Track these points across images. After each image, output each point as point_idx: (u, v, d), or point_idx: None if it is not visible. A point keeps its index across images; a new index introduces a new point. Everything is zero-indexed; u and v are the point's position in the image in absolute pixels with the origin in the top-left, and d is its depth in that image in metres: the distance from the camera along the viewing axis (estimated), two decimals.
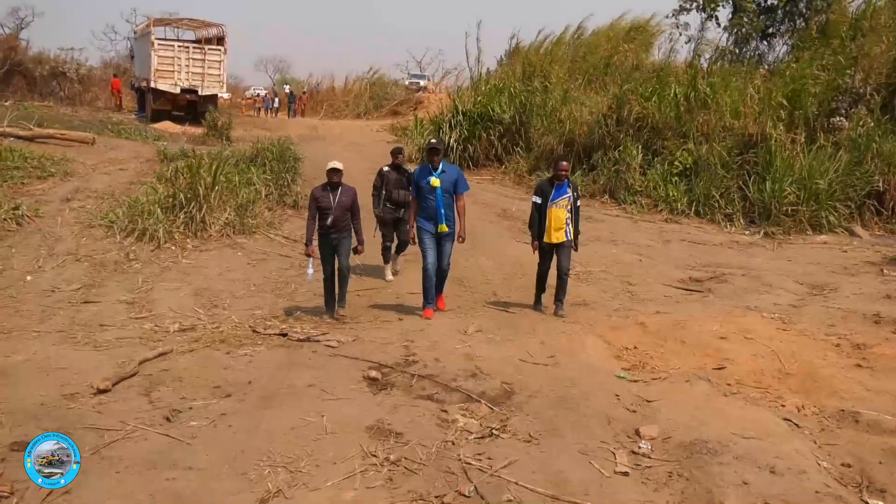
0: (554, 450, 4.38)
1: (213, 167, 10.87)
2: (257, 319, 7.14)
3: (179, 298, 7.73)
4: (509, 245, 10.55)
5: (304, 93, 40.15)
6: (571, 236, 7.75)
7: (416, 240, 7.57)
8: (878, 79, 13.99)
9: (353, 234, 7.59)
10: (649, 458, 4.33)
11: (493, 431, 4.61)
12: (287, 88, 42.13)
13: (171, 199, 10.19)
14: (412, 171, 8.63)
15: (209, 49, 27.04)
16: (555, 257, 7.77)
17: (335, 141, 23.29)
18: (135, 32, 34.79)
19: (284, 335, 6.58)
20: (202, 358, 5.94)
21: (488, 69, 20.97)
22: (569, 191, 7.72)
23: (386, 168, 9.25)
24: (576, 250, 7.90)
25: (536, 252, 7.84)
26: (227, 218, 10.28)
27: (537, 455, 4.32)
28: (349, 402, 5.06)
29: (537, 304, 7.93)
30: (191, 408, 4.92)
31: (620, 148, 14.93)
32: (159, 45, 26.22)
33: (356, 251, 7.65)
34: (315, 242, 7.55)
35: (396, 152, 9.49)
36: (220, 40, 27.56)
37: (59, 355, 5.95)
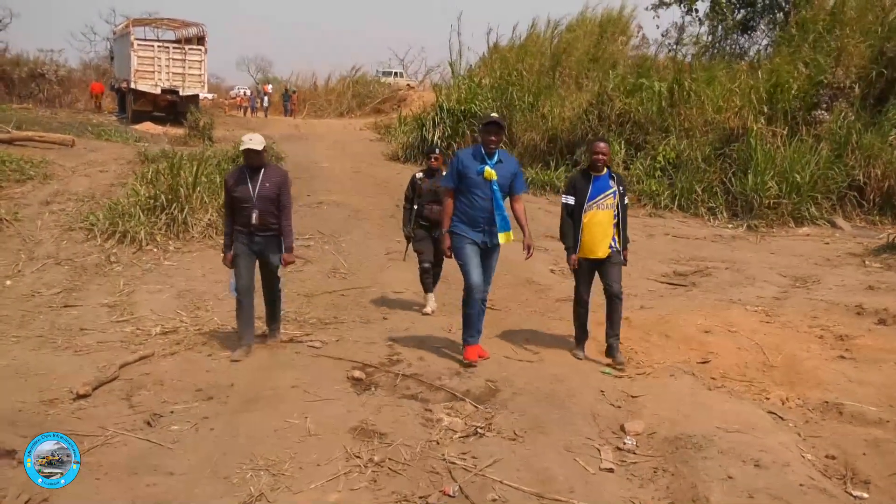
0: (539, 447, 4.36)
1: (195, 168, 10.80)
2: None
3: (161, 301, 7.65)
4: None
5: (293, 92, 39.85)
6: (618, 247, 6.12)
7: (452, 252, 5.86)
8: (857, 72, 14.08)
9: (282, 234, 6.05)
10: (634, 453, 4.33)
11: (478, 430, 4.58)
12: (270, 87, 41.80)
13: (152, 201, 10.10)
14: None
15: (189, 49, 26.84)
16: (596, 276, 6.19)
17: (318, 140, 23.17)
18: (114, 33, 34.53)
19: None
20: (184, 361, 5.88)
21: (470, 66, 20.97)
22: (612, 184, 6.08)
23: (419, 175, 7.61)
24: (624, 264, 6.24)
25: (573, 270, 6.21)
26: (209, 219, 10.20)
27: (522, 453, 4.30)
28: (333, 403, 5.02)
29: (579, 348, 6.27)
30: (172, 412, 4.87)
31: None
32: (139, 45, 26.01)
33: (281, 262, 6.07)
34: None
35: (430, 152, 7.81)
36: (200, 40, 27.37)
37: (39, 360, 5.87)
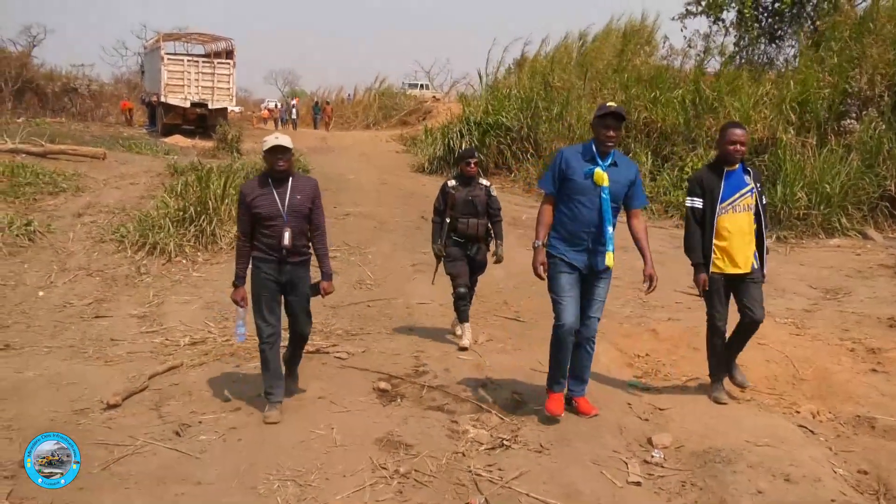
0: (565, 460, 4.34)
1: (223, 180, 10.92)
2: None
3: (190, 312, 7.74)
4: (520, 254, 10.48)
5: (328, 104, 40.17)
6: (758, 262, 5.17)
7: (548, 278, 4.83)
8: (886, 80, 13.90)
9: (318, 261, 5.09)
10: (662, 467, 4.29)
11: (504, 442, 4.57)
12: (297, 101, 42.18)
13: (181, 213, 10.22)
14: (491, 188, 6.79)
15: (218, 63, 27.24)
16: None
17: (344, 152, 23.33)
18: (145, 48, 35.09)
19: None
20: (212, 371, 5.94)
21: (496, 78, 21.03)
22: (748, 180, 5.11)
23: (451, 183, 6.70)
24: (763, 281, 5.26)
25: (703, 290, 5.19)
26: (237, 231, 10.27)
27: (549, 465, 4.28)
28: (359, 415, 5.04)
29: (719, 389, 5.33)
30: (200, 422, 4.91)
31: (630, 154, 14.90)
32: (169, 59, 26.43)
33: (317, 290, 5.11)
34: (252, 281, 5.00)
35: (467, 156, 6.76)
36: (228, 54, 27.76)
37: (70, 371, 5.96)
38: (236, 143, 20.77)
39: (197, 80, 26.41)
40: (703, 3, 19.59)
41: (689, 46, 19.37)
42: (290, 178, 4.92)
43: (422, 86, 41.50)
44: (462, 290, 6.66)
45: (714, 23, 19.57)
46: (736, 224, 5.09)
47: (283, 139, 4.82)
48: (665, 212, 13.77)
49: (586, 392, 5.08)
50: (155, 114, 28.59)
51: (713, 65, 18.05)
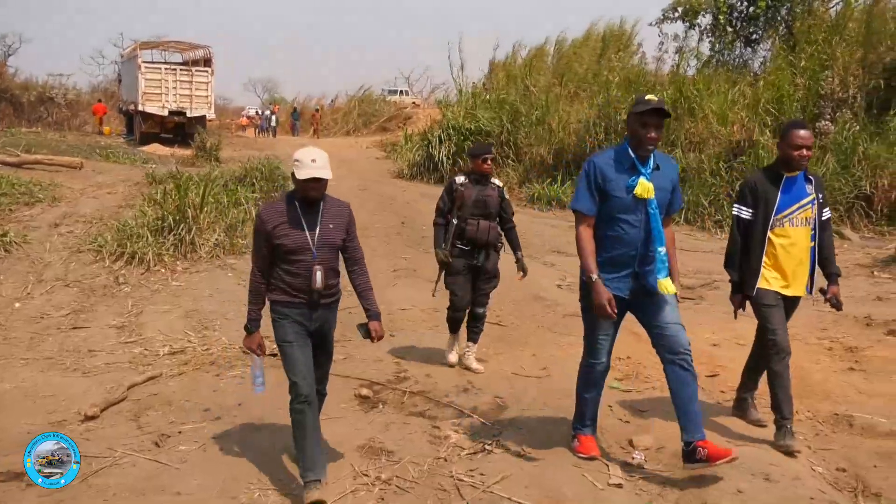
0: (547, 463, 4.34)
1: (202, 188, 10.85)
2: None
3: (169, 321, 7.67)
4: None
5: (316, 111, 40.09)
6: (810, 284, 4.65)
7: (584, 309, 4.30)
8: (856, 82, 14.11)
9: (360, 299, 4.26)
10: (643, 468, 4.30)
11: (486, 447, 4.57)
12: (266, 110, 42.09)
13: (159, 222, 10.14)
14: (504, 189, 6.13)
15: (196, 71, 27.08)
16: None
17: None
18: (122, 56, 34.85)
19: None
20: (192, 381, 5.90)
21: (474, 83, 21.10)
22: (810, 190, 4.51)
23: (460, 179, 5.98)
24: (839, 308, 4.69)
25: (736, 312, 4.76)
26: (216, 239, 10.23)
27: (530, 469, 4.28)
28: (340, 422, 5.02)
29: (787, 433, 4.47)
30: (180, 432, 4.87)
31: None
32: (146, 68, 26.24)
33: (367, 332, 4.20)
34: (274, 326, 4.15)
35: (483, 151, 5.98)
36: (207, 62, 27.63)
37: (47, 382, 5.90)
38: (215, 151, 20.66)
39: (175, 88, 26.24)
40: (680, 9, 19.78)
41: (665, 51, 19.57)
42: (322, 203, 4.05)
43: (401, 92, 41.55)
44: (458, 314, 6.08)
45: (690, 28, 19.78)
46: (791, 240, 4.49)
47: (321, 165, 3.89)
48: None
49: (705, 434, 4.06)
50: (133, 122, 28.39)
51: (690, 68, 18.24)
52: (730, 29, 18.70)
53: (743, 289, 4.63)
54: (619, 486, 4.08)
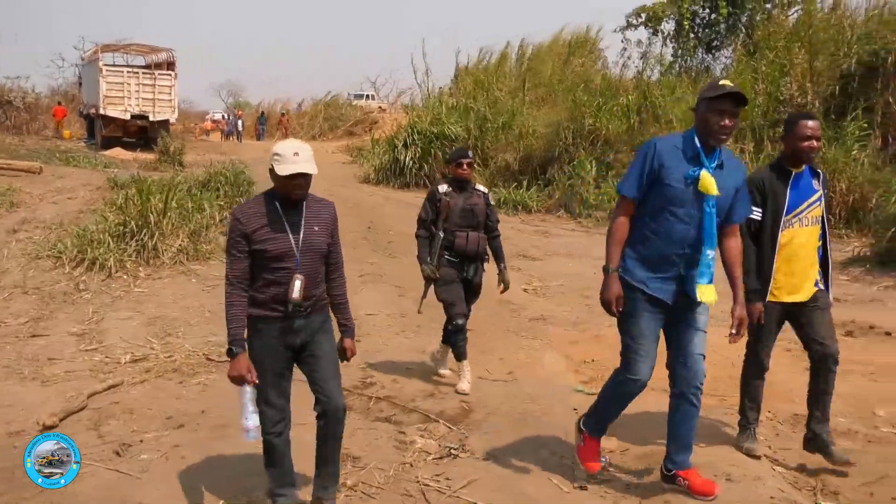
0: (513, 467, 4.35)
1: (165, 193, 10.71)
2: (212, 347, 6.99)
3: (131, 328, 7.56)
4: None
5: (283, 115, 39.82)
6: (823, 283, 4.35)
7: (623, 319, 3.78)
8: (814, 88, 14.42)
9: (335, 311, 3.83)
10: (608, 470, 4.33)
11: (452, 451, 4.57)
12: (230, 114, 41.79)
13: (121, 227, 9.99)
14: (489, 195, 5.86)
15: (159, 74, 26.83)
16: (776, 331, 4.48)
17: None
18: (82, 59, 34.34)
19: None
20: (154, 389, 5.81)
21: (440, 88, 21.17)
22: (818, 187, 4.27)
23: (442, 188, 5.67)
24: (830, 304, 4.41)
25: (755, 324, 4.31)
26: (180, 244, 10.11)
27: (497, 473, 4.29)
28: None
29: (751, 438, 4.50)
30: (142, 441, 4.80)
31: (574, 163, 15.15)
32: (108, 71, 25.95)
33: (343, 352, 3.82)
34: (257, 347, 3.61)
35: (459, 156, 5.68)
36: (170, 65, 27.38)
37: (5, 391, 5.77)
38: (179, 155, 20.45)
39: (137, 91, 25.96)
40: (644, 16, 20.06)
41: (629, 57, 19.84)
42: (304, 205, 3.59)
43: (368, 96, 41.47)
44: (459, 321, 5.55)
45: (654, 34, 20.05)
46: (799, 241, 4.19)
47: (305, 158, 3.43)
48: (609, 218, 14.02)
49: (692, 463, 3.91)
50: (94, 126, 27.98)
51: (653, 73, 18.50)
52: (692, 35, 18.99)
53: (762, 298, 4.27)
54: (584, 488, 4.11)
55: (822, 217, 4.29)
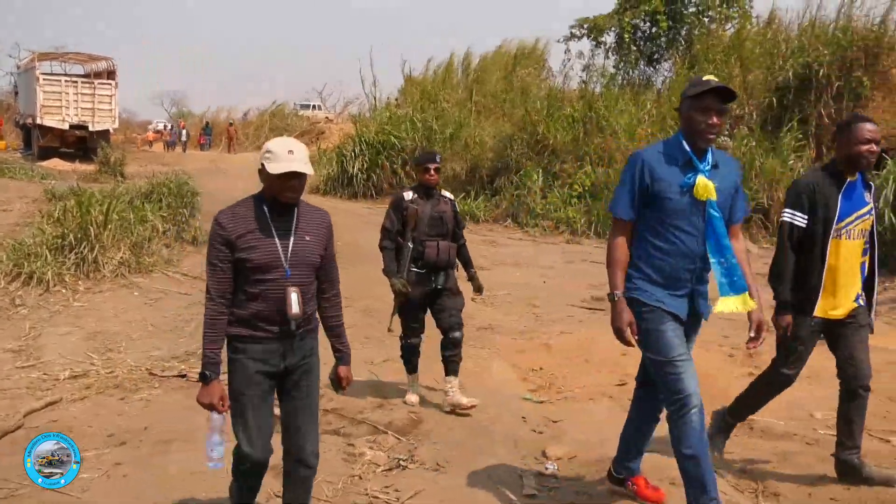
0: (462, 477, 4.36)
1: (106, 205, 10.46)
2: (155, 361, 6.85)
3: (70, 344, 7.35)
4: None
5: (231, 124, 39.27)
6: (864, 300, 4.06)
7: (645, 334, 3.49)
8: (752, 100, 14.85)
9: (329, 335, 3.48)
10: (556, 478, 4.37)
11: (401, 462, 4.56)
12: (172, 124, 41.20)
13: (59, 240, 9.71)
14: (455, 201, 5.60)
15: (99, 83, 26.25)
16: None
17: (236, 174, 22.81)
18: (18, 67, 33.37)
19: (184, 376, 6.34)
20: (94, 405, 5.66)
21: (387, 98, 21.21)
22: (869, 199, 4.00)
23: (409, 195, 5.34)
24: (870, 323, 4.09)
25: (786, 338, 4.12)
26: (121, 257, 9.88)
27: (446, 484, 4.29)
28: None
29: (720, 440, 4.57)
30: (82, 459, 4.66)
31: (522, 172, 15.30)
32: (45, 80, 25.28)
33: (338, 381, 3.52)
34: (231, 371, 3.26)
35: (425, 160, 5.38)
36: (110, 74, 26.81)
37: None
38: (120, 166, 20.03)
39: (76, 101, 25.34)
40: (586, 27, 20.42)
41: (571, 68, 20.18)
42: (297, 212, 3.24)
43: (314, 106, 41.24)
44: (413, 340, 5.48)
45: (596, 46, 20.41)
46: (846, 254, 3.93)
47: (300, 157, 3.10)
48: (556, 228, 14.16)
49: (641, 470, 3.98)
50: (30, 137, 27.21)
51: (596, 85, 18.82)
52: (634, 48, 19.40)
53: (795, 309, 4.03)
54: (533, 496, 4.13)
55: (872, 231, 4.02)
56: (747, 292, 3.45)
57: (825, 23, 15.00)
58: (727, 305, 3.43)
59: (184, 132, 38.72)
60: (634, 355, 6.66)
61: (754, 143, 14.10)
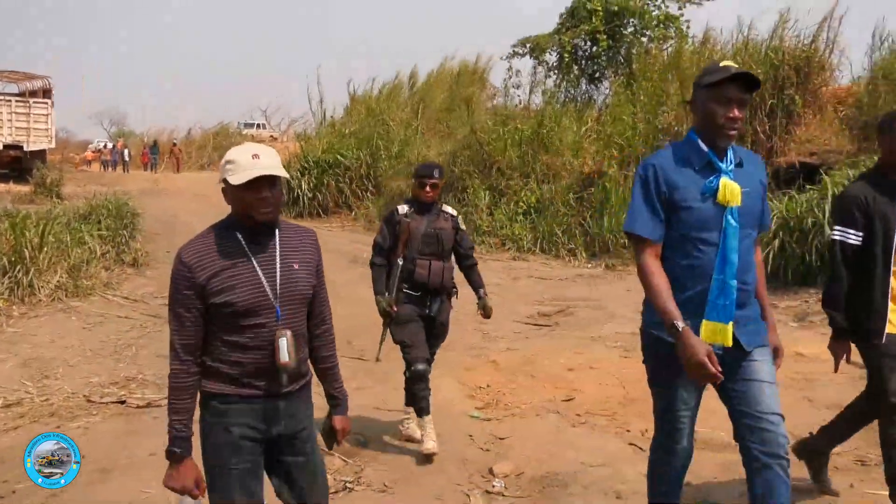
0: (410, 498, 4.33)
1: (41, 227, 10.19)
2: (93, 388, 6.66)
3: (4, 371, 7.09)
4: (364, 292, 10.47)
5: (175, 144, 38.60)
6: None
7: (652, 370, 3.16)
8: (689, 117, 15.23)
9: (322, 379, 2.91)
10: (503, 495, 4.37)
11: (347, 485, 4.50)
12: (110, 143, 40.48)
13: None
14: (459, 218, 5.04)
15: (35, 102, 25.64)
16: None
17: (178, 194, 22.50)
18: None
19: (123, 402, 6.18)
20: (28, 435, 5.42)
21: (332, 116, 21.18)
22: None
23: (403, 209, 4.85)
24: None
25: (842, 361, 3.66)
26: (58, 280, 9.63)
27: None
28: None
29: (822, 482, 4.03)
30: (14, 492, 4.50)
31: (469, 190, 15.40)
32: None
33: (332, 436, 2.95)
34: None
35: (423, 175, 4.81)
36: (46, 93, 26.23)
37: None
38: (57, 187, 19.55)
39: (10, 120, 24.70)
40: (528, 46, 20.74)
41: (514, 85, 20.45)
42: (277, 234, 2.65)
43: (259, 125, 40.90)
44: (420, 367, 4.75)
45: (539, 64, 20.74)
46: None
47: (268, 163, 2.51)
48: (502, 244, 14.27)
49: None
50: None
51: (539, 103, 19.11)
52: (575, 67, 19.76)
53: (861, 335, 3.58)
54: None
55: None
56: (731, 323, 2.86)
57: (758, 43, 15.47)
58: (703, 333, 2.85)
59: (126, 152, 37.97)
60: (581, 371, 6.77)
61: None
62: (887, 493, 3.72)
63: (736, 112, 2.83)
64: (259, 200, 2.50)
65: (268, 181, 2.49)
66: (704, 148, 2.91)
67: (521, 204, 14.93)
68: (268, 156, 2.54)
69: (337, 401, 2.92)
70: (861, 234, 3.50)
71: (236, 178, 2.49)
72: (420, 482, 4.53)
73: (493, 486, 4.47)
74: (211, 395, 2.58)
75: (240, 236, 2.58)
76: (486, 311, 5.18)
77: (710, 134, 2.91)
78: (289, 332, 2.56)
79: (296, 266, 2.63)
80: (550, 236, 14.09)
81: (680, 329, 2.76)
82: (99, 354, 7.78)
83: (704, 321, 2.85)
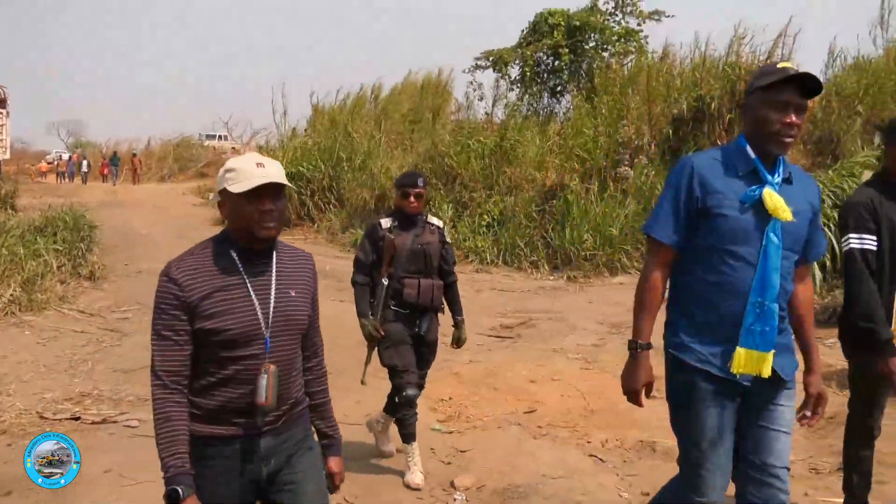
0: None
1: None
2: (47, 404, 6.50)
3: None
4: (328, 305, 10.41)
5: (134, 155, 38.00)
6: None
7: (675, 408, 2.89)
8: (649, 131, 15.49)
9: (317, 417, 2.62)
10: None
11: None
12: (79, 153, 39.81)
13: None
14: (444, 230, 4.75)
15: None
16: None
17: (137, 206, 22.17)
18: None
19: (77, 419, 6.04)
20: None
21: (294, 128, 21.09)
22: None
23: (386, 223, 4.54)
24: None
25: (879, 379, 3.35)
26: (11, 294, 9.40)
27: None
28: (152, 487, 4.67)
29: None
30: None
31: (432, 202, 15.42)
32: None
33: (329, 477, 2.63)
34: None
35: (406, 184, 4.53)
36: (1, 102, 25.68)
37: None
38: (11, 198, 19.14)
39: None
40: (490, 59, 20.91)
41: (477, 98, 20.58)
42: (275, 253, 2.45)
43: (220, 137, 40.51)
44: (411, 392, 4.49)
45: (501, 77, 20.91)
46: None
47: (271, 172, 2.31)
48: (465, 257, 14.30)
49: None
50: None
51: (501, 116, 19.26)
52: (537, 80, 19.97)
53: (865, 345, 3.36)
54: None
55: None
56: (772, 352, 2.59)
57: (716, 59, 15.79)
58: (737, 362, 2.59)
59: (84, 163, 37.33)
60: (543, 383, 6.80)
61: (654, 173, 14.65)
62: (841, 500, 3.79)
63: (793, 118, 2.57)
64: (262, 213, 2.30)
65: (272, 193, 2.30)
66: (752, 154, 2.65)
67: (484, 217, 14.98)
68: (273, 165, 2.35)
69: (331, 440, 2.66)
70: (875, 238, 3.34)
71: (238, 187, 2.28)
72: (381, 496, 4.51)
73: (455, 499, 4.47)
74: (198, 437, 2.31)
75: (234, 255, 2.37)
76: (458, 343, 5.02)
77: (761, 141, 2.64)
78: (272, 368, 2.30)
79: (293, 293, 2.41)
80: (513, 249, 14.15)
81: (639, 348, 2.76)
82: (53, 370, 7.60)
83: (739, 349, 2.58)
